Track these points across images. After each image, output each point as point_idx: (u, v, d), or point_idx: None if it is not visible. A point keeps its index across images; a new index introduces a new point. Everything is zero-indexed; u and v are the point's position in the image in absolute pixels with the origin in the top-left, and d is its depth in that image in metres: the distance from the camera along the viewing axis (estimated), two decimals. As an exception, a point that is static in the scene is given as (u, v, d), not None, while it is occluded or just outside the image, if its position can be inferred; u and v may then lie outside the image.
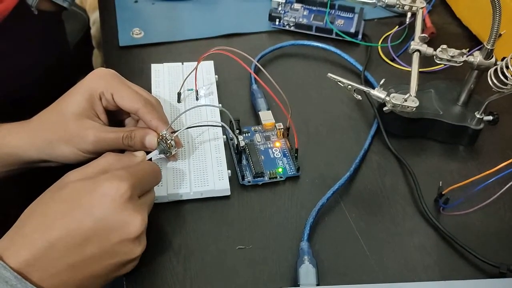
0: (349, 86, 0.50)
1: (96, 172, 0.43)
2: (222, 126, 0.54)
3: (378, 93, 0.49)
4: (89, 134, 0.48)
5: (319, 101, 0.61)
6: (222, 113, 0.56)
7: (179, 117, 0.55)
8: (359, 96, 0.51)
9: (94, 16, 1.05)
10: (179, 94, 0.57)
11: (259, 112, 0.57)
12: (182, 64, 0.61)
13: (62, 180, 0.43)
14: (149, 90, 0.58)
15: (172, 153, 0.50)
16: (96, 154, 0.49)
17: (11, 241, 0.39)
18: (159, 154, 0.49)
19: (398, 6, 0.59)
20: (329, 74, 0.50)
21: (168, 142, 0.49)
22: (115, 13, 0.70)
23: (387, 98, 0.49)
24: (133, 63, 0.64)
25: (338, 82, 0.50)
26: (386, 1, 0.58)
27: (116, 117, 0.53)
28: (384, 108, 0.50)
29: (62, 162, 0.51)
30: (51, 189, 0.42)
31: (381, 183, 0.52)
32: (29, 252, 0.38)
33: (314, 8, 0.71)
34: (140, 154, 0.48)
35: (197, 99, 0.58)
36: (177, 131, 0.50)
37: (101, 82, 0.50)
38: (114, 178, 0.40)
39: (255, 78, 0.61)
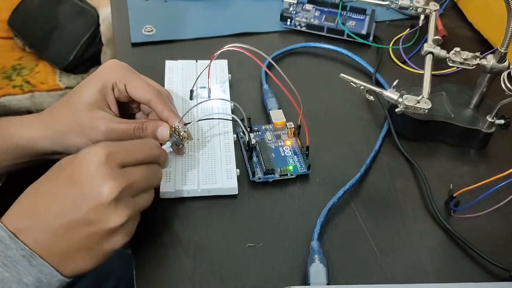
0: (362, 87, 0.50)
1: None
2: (234, 120, 0.54)
3: (391, 94, 0.49)
4: (101, 124, 0.49)
5: (330, 101, 0.61)
6: (234, 111, 0.57)
7: (191, 111, 0.55)
8: (371, 97, 0.51)
9: (104, 13, 1.05)
10: (191, 91, 0.57)
11: (270, 111, 0.57)
12: (196, 61, 0.61)
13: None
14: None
15: (184, 145, 0.50)
16: None
17: (10, 209, 0.41)
18: (171, 146, 0.49)
19: (411, 8, 0.59)
20: (342, 75, 0.50)
21: (181, 134, 0.49)
22: (126, 10, 0.70)
23: (400, 100, 0.49)
24: (144, 60, 0.64)
25: (351, 83, 0.50)
26: (399, 3, 0.58)
27: (126, 110, 0.53)
28: (396, 110, 0.50)
29: (73, 153, 0.51)
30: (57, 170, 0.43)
31: (391, 184, 0.52)
32: (18, 213, 0.40)
33: (326, 9, 0.71)
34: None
35: (209, 97, 0.58)
36: (189, 123, 0.51)
37: (114, 73, 0.50)
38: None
39: (266, 78, 0.61)
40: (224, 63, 0.61)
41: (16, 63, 1.12)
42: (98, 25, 1.08)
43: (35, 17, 1.15)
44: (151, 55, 0.65)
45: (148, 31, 0.67)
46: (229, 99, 0.58)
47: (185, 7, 0.72)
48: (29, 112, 1.06)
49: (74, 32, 1.11)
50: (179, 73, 0.60)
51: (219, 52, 0.54)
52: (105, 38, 1.05)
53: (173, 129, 0.49)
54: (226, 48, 0.53)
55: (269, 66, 0.61)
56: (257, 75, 0.62)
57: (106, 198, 0.39)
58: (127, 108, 0.53)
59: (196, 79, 0.56)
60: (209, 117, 0.53)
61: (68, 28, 1.12)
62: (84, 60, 1.10)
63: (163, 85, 0.58)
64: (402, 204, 0.51)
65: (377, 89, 0.49)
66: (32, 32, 1.13)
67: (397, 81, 0.50)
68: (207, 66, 0.56)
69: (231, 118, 0.55)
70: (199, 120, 0.53)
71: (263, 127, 0.56)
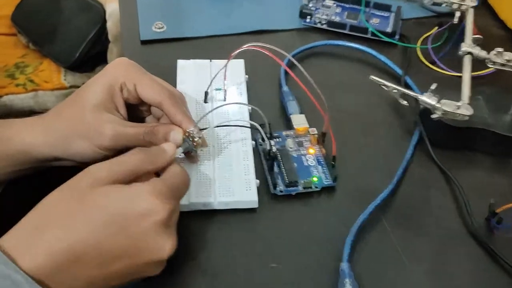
0: (394, 90, 0.45)
1: (126, 172, 0.39)
2: (254, 127, 0.49)
3: (428, 99, 0.44)
4: (108, 128, 0.44)
5: (354, 105, 0.56)
6: (252, 115, 0.52)
7: (205, 116, 0.51)
8: (405, 102, 0.46)
9: (111, 9, 1.01)
10: (206, 93, 0.53)
11: (291, 116, 0.52)
12: (210, 61, 0.57)
13: (86, 175, 0.38)
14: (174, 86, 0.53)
15: (197, 152, 0.46)
16: (114, 152, 0.45)
17: (27, 243, 0.35)
18: (183, 152, 0.45)
19: (445, 4, 0.54)
20: (372, 77, 0.46)
21: (196, 139, 0.45)
22: (135, 5, 0.66)
23: (438, 105, 0.44)
24: (154, 59, 0.60)
25: (382, 86, 0.46)
26: (434, -1, 0.53)
27: (136, 113, 0.49)
28: (433, 116, 0.45)
29: (76, 160, 0.47)
30: (74, 183, 0.38)
31: (425, 198, 0.48)
32: (48, 261, 0.34)
33: (347, 6, 0.66)
34: (169, 147, 0.43)
35: (225, 99, 0.53)
36: (205, 129, 0.46)
37: (122, 72, 0.46)
38: (155, 197, 0.37)
39: (285, 79, 0.57)
40: (240, 63, 0.57)
41: (19, 61, 1.08)
42: (105, 21, 1.04)
43: (39, 13, 1.10)
44: (161, 53, 0.60)
45: (159, 28, 0.63)
46: (246, 102, 0.53)
47: (198, 2, 0.67)
48: (32, 112, 1.02)
49: (79, 28, 1.06)
50: (192, 73, 0.56)
51: (236, 52, 0.49)
52: (111, 35, 1.00)
53: (186, 134, 0.45)
54: (244, 47, 0.48)
55: (288, 66, 0.56)
56: (276, 76, 0.58)
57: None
58: (136, 111, 0.49)
59: (211, 81, 0.52)
60: (227, 124, 0.49)
61: (73, 24, 1.07)
62: (90, 58, 1.06)
63: (174, 86, 0.54)
64: (438, 221, 0.46)
65: (412, 93, 0.45)
66: (36, 28, 1.09)
67: (435, 85, 0.45)
68: (223, 67, 0.51)
69: (250, 125, 0.50)
70: (217, 126, 0.49)
71: (284, 134, 0.51)
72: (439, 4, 0.54)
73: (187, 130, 0.44)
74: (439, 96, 0.49)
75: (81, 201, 0.37)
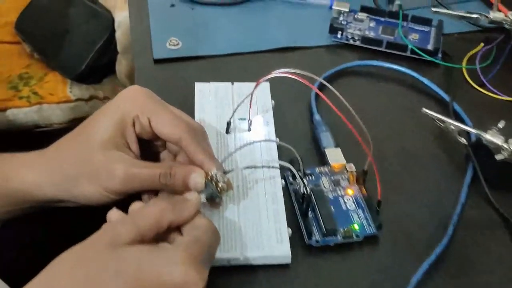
0: (452, 127, 0.39)
1: (150, 227, 0.34)
2: (285, 167, 0.43)
3: (494, 138, 0.38)
4: (118, 169, 0.38)
5: (395, 135, 0.50)
6: (280, 148, 0.46)
7: (226, 145, 0.45)
8: (463, 139, 0.40)
9: (120, 18, 0.95)
10: (228, 124, 0.46)
11: (325, 150, 0.46)
12: (232, 84, 0.51)
13: (105, 232, 0.33)
14: (191, 114, 0.47)
15: (222, 199, 0.40)
16: (124, 195, 0.40)
17: None
18: (205, 199, 0.39)
19: (505, 23, 0.47)
20: (424, 110, 0.40)
21: (220, 185, 0.38)
22: (147, 18, 0.60)
23: (505, 145, 0.38)
24: (169, 80, 0.54)
25: (437, 121, 0.39)
26: (492, 17, 0.47)
27: (149, 148, 0.43)
28: (498, 156, 0.39)
29: (81, 203, 0.41)
30: (90, 243, 0.33)
31: (485, 250, 0.41)
32: None
33: (382, 19, 0.60)
34: (193, 197, 0.37)
35: (249, 129, 0.47)
36: (230, 171, 0.40)
37: (135, 104, 0.40)
38: (191, 265, 0.31)
39: (316, 103, 0.50)
40: (265, 86, 0.51)
41: (23, 72, 1.02)
42: (113, 30, 0.98)
43: (44, 21, 1.05)
44: (177, 74, 0.54)
45: (173, 45, 0.56)
46: (273, 132, 0.47)
47: (217, 15, 0.61)
48: (36, 126, 0.96)
49: (86, 37, 1.00)
50: (211, 98, 0.49)
51: (262, 80, 0.43)
52: (120, 46, 0.94)
53: (209, 178, 0.38)
54: (274, 74, 0.42)
55: (319, 88, 0.50)
56: (305, 99, 0.52)
57: None
58: (149, 145, 0.43)
59: (234, 111, 0.46)
60: (256, 166, 0.43)
61: (80, 33, 1.01)
62: (98, 69, 1.00)
63: (192, 113, 0.47)
64: (502, 279, 0.39)
65: (474, 130, 0.38)
66: (41, 37, 1.03)
67: (503, 122, 0.39)
68: (248, 95, 0.45)
69: (282, 166, 0.44)
70: (245, 168, 0.43)
71: (317, 171, 0.45)
72: (499, 23, 0.48)
73: (210, 173, 0.38)
74: (496, 129, 0.43)
75: (101, 266, 0.31)
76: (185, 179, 0.38)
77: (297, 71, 0.42)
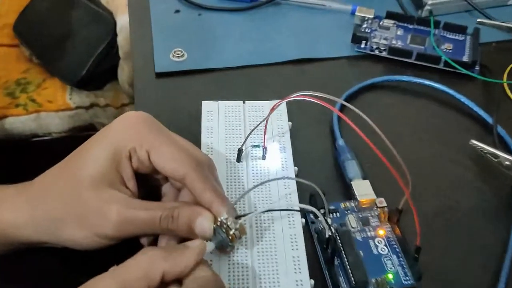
0: (507, 162, 0.33)
1: (140, 282, 0.28)
2: (308, 211, 0.37)
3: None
4: (112, 211, 0.33)
5: (431, 164, 0.43)
6: (299, 176, 0.40)
7: (239, 179, 0.39)
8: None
9: (122, 21, 0.89)
10: (240, 151, 0.40)
11: (352, 182, 0.40)
12: (244, 103, 0.45)
13: None
14: (197, 139, 0.41)
15: (234, 247, 0.34)
16: (118, 240, 0.34)
17: None
18: (215, 247, 0.33)
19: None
20: (473, 142, 0.34)
21: (231, 232, 0.32)
22: (149, 26, 0.54)
23: None
24: (172, 97, 0.48)
25: (488, 154, 0.33)
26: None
27: (148, 182, 0.37)
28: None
29: (70, 247, 0.35)
30: None
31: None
32: None
33: (411, 26, 0.54)
34: (194, 244, 0.31)
35: (264, 157, 0.41)
36: (244, 215, 0.34)
37: (132, 134, 0.34)
38: None
39: (339, 125, 0.44)
40: (282, 107, 0.45)
41: (21, 77, 0.97)
42: (116, 34, 0.93)
43: (43, 23, 0.99)
44: (181, 90, 0.48)
45: (178, 56, 0.50)
46: (291, 161, 0.41)
47: (225, 22, 0.55)
48: (34, 135, 0.91)
49: (87, 41, 0.95)
50: (220, 119, 0.43)
51: (279, 104, 0.37)
52: (122, 52, 0.89)
53: (218, 223, 0.32)
54: (291, 98, 0.36)
55: (340, 107, 0.44)
56: (326, 121, 0.45)
57: None
58: (148, 178, 0.37)
59: (247, 138, 0.40)
60: (275, 209, 0.37)
61: (81, 37, 0.96)
62: (99, 74, 0.94)
63: (198, 137, 0.42)
64: None
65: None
66: (40, 40, 0.98)
67: None
68: (263, 120, 0.39)
69: (302, 209, 0.38)
70: (265, 211, 0.37)
71: (342, 206, 0.39)
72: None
73: (220, 219, 0.32)
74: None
75: None
76: (190, 224, 0.33)
77: (318, 94, 0.36)
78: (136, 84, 0.49)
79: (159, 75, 0.49)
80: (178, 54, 0.51)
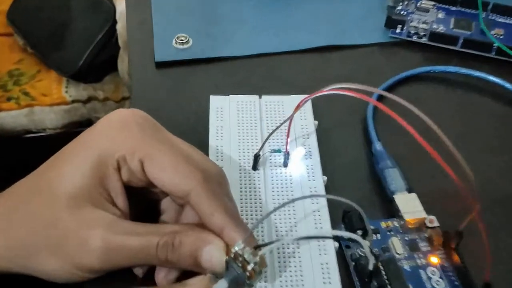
0: None
1: None
2: (346, 239, 0.30)
3: None
4: (95, 236, 0.25)
5: (493, 172, 0.36)
6: (328, 189, 0.33)
7: (257, 194, 0.32)
8: None
9: (122, 7, 0.82)
10: (256, 157, 0.33)
11: (395, 196, 0.32)
12: (260, 98, 0.37)
13: None
14: (204, 144, 0.34)
15: (253, 286, 0.27)
16: (103, 273, 0.27)
17: None
18: (228, 287, 0.26)
19: None
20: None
21: (249, 267, 0.25)
22: (149, 9, 0.46)
23: None
24: (174, 92, 0.40)
25: None
26: None
27: (142, 196, 0.30)
28: None
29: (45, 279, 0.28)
30: None
31: None
32: None
33: (453, 8, 0.46)
34: (196, 281, 0.25)
35: (285, 164, 0.34)
36: (265, 244, 0.27)
37: (122, 138, 0.27)
38: None
39: (376, 129, 0.37)
40: (307, 105, 0.37)
41: (14, 68, 0.90)
42: (115, 21, 0.86)
43: (38, 10, 0.92)
44: (185, 82, 0.41)
45: (182, 43, 0.43)
46: (319, 167, 0.33)
47: (238, 4, 0.47)
48: (27, 131, 0.84)
49: (85, 29, 0.88)
50: (232, 117, 0.36)
51: (306, 100, 0.30)
52: (122, 41, 0.81)
53: (232, 254, 0.25)
54: (323, 92, 0.29)
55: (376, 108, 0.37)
56: (357, 120, 0.38)
57: None
58: (143, 192, 0.30)
59: (266, 139, 0.32)
60: (307, 236, 0.29)
61: (79, 24, 0.89)
62: (97, 65, 0.87)
63: (205, 139, 0.34)
64: None
65: None
66: (34, 28, 0.91)
67: None
68: (287, 120, 0.31)
69: (338, 237, 0.30)
70: (295, 239, 0.29)
71: (383, 226, 0.32)
72: None
73: (234, 249, 0.25)
74: None
75: None
76: (195, 255, 0.25)
77: (353, 85, 0.28)
78: (133, 76, 0.42)
79: (160, 65, 0.42)
80: (182, 40, 0.43)
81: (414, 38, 0.44)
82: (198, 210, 0.26)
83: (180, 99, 0.39)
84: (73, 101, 0.85)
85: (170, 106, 0.39)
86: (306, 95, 0.31)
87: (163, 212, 0.30)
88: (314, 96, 0.29)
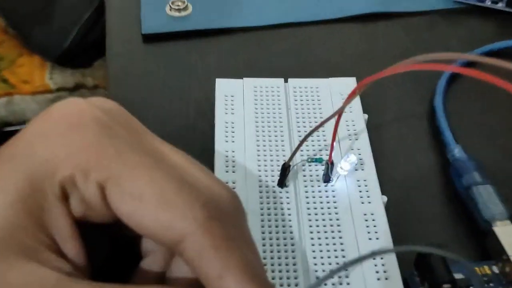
0: None
1: None
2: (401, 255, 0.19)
3: None
4: None
5: None
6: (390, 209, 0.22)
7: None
8: None
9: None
10: (285, 168, 0.22)
11: (495, 228, 0.22)
12: (286, 82, 0.27)
13: None
14: (208, 148, 0.24)
15: None
16: None
17: None
18: None
19: None
20: None
21: None
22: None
23: None
24: (168, 75, 0.30)
25: None
26: None
27: (115, 231, 0.19)
28: None
29: None
30: None
31: None
32: None
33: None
34: None
35: (327, 179, 0.23)
36: None
37: (67, 149, 0.16)
38: None
39: (452, 129, 0.26)
40: (351, 81, 0.27)
41: (-8, 51, 0.81)
42: (102, 1, 0.76)
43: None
44: (181, 62, 0.30)
45: (178, 9, 0.32)
46: (375, 182, 0.23)
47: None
48: (6, 123, 0.75)
49: (72, 6, 0.78)
50: (247, 109, 0.26)
51: (367, 83, 0.19)
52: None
53: None
54: (405, 65, 0.18)
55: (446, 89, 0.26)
56: (418, 113, 0.28)
57: None
58: (115, 227, 0.19)
59: (301, 144, 0.22)
60: None
61: (65, 0, 0.79)
62: (86, 47, 0.78)
63: (207, 144, 0.24)
64: None
65: None
66: (16, 6, 0.82)
67: None
68: (334, 114, 0.21)
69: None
70: None
71: (476, 271, 0.21)
72: None
73: None
74: None
75: None
76: None
77: (436, 55, 0.18)
78: (111, 54, 0.31)
79: (149, 38, 0.31)
80: (178, 6, 0.32)
81: (488, 3, 0.33)
82: (197, 268, 0.15)
83: (174, 85, 0.29)
84: (58, 89, 0.76)
85: (160, 95, 0.28)
86: (352, 78, 0.20)
87: (146, 254, 0.20)
88: (383, 75, 0.18)
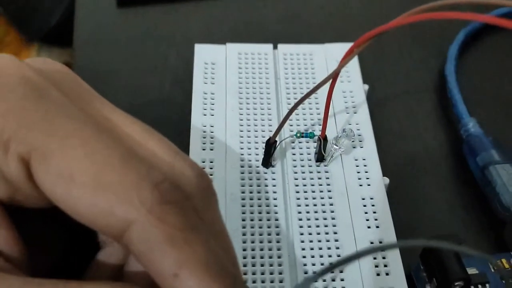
0: None
1: None
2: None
3: None
4: None
5: None
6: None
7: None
8: None
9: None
10: (271, 145, 0.19)
11: (516, 216, 0.19)
12: (275, 48, 0.24)
13: None
14: (184, 124, 0.21)
15: None
16: None
17: None
18: None
19: None
20: None
21: None
22: None
23: None
24: (143, 41, 0.26)
25: None
26: None
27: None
28: None
29: None
30: None
31: None
32: None
33: None
34: None
35: (320, 158, 0.20)
36: None
37: None
38: None
39: (464, 100, 0.23)
40: (353, 62, 0.23)
41: (-25, 30, 0.77)
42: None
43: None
44: (159, 27, 0.27)
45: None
46: (376, 162, 0.20)
47: None
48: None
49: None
50: (230, 79, 0.22)
51: (363, 42, 0.16)
52: None
53: None
54: (397, 24, 0.15)
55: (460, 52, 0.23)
56: (426, 83, 0.24)
57: None
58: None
59: (287, 116, 0.18)
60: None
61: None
62: (72, 25, 0.75)
63: (185, 119, 0.21)
64: None
65: None
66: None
67: None
68: (325, 81, 0.17)
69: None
70: None
71: (491, 268, 0.18)
72: None
73: None
74: None
75: None
76: None
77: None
78: (79, 18, 0.28)
79: (123, 2, 0.28)
80: (156, -34, 0.29)
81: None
82: (148, 265, 0.12)
83: (149, 53, 0.25)
84: (44, 69, 0.72)
85: (133, 64, 0.25)
86: (351, 44, 0.17)
87: (103, 245, 0.17)
88: (385, 30, 0.15)
